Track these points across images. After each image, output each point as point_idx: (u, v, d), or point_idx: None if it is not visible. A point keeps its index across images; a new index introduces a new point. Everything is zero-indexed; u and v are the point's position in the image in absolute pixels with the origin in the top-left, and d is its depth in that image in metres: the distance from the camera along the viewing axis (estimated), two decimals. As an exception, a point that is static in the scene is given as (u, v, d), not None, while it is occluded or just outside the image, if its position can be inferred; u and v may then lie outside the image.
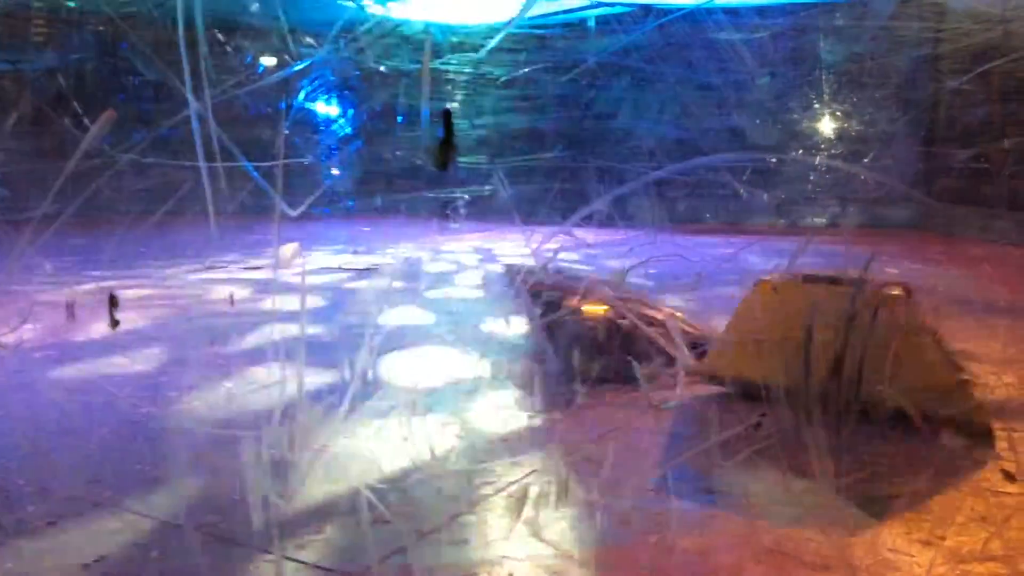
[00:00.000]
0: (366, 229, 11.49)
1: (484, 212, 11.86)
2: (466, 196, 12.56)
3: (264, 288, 6.94)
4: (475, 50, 11.63)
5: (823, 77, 11.56)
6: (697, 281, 7.10)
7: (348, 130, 14.31)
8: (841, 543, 2.46)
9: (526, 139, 13.35)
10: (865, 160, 11.43)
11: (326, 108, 14.14)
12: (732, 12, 10.14)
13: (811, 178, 11.79)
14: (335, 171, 14.02)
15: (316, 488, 2.89)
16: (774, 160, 11.40)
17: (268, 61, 13.05)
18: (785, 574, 2.34)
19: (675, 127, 12.22)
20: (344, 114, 14.25)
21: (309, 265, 8.16)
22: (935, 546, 2.46)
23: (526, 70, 12.55)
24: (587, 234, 9.60)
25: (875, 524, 2.58)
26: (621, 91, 12.88)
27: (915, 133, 11.51)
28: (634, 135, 12.76)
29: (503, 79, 12.89)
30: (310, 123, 14.03)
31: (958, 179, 10.55)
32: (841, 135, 11.70)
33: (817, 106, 11.77)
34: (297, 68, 11.60)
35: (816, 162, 11.67)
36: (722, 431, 3.36)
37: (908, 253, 8.86)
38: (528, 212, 10.54)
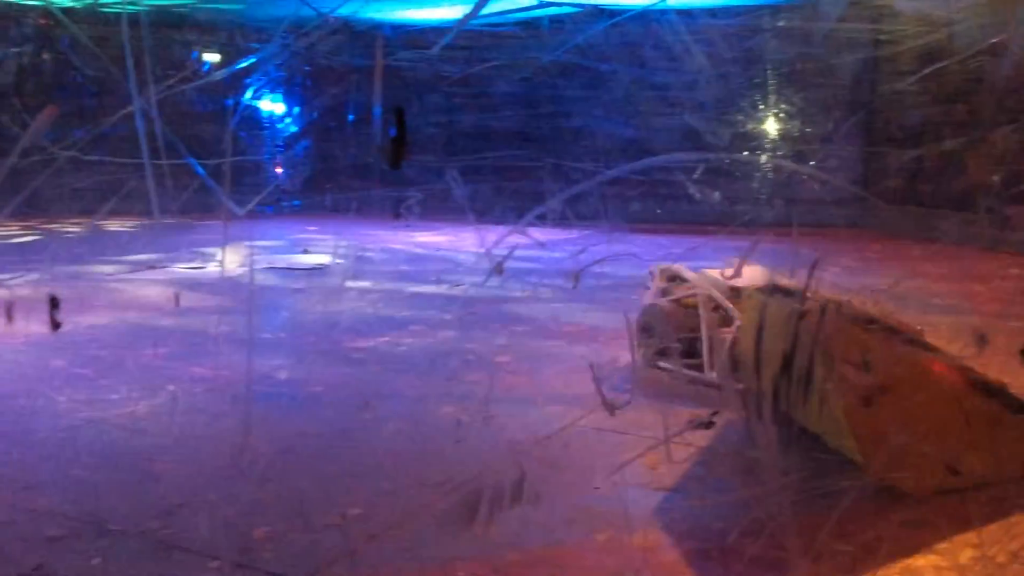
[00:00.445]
0: (312, 228, 11.35)
1: (438, 211, 11.80)
2: (419, 194, 12.49)
3: (209, 288, 6.82)
4: (427, 47, 11.56)
5: (773, 78, 11.72)
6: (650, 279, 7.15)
7: (294, 128, 14.11)
8: (787, 540, 2.49)
9: (479, 137, 13.31)
10: (812, 162, 11.62)
11: (272, 105, 13.93)
12: (685, 13, 10.24)
13: (756, 177, 11.94)
14: (279, 169, 13.79)
15: (266, 491, 2.84)
16: (728, 160, 11.53)
17: (211, 57, 12.80)
18: (731, 571, 2.36)
19: (628, 126, 12.29)
20: (290, 111, 14.05)
21: (254, 265, 8.03)
22: (880, 542, 2.50)
23: (479, 68, 12.53)
24: (541, 233, 9.61)
25: (821, 520, 2.61)
26: (574, 90, 12.92)
27: (861, 134, 11.73)
28: (588, 134, 12.81)
29: (456, 77, 12.84)
30: (257, 120, 13.80)
31: (901, 180, 10.78)
32: (789, 136, 11.88)
33: (766, 107, 11.93)
34: (244, 64, 11.42)
35: (763, 161, 11.83)
36: (675, 429, 3.38)
37: (850, 252, 9.02)
38: (482, 211, 10.50)
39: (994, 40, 8.55)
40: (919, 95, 10.21)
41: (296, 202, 13.26)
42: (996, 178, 8.76)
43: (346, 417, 3.68)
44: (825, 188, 11.44)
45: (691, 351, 4.22)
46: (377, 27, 12.06)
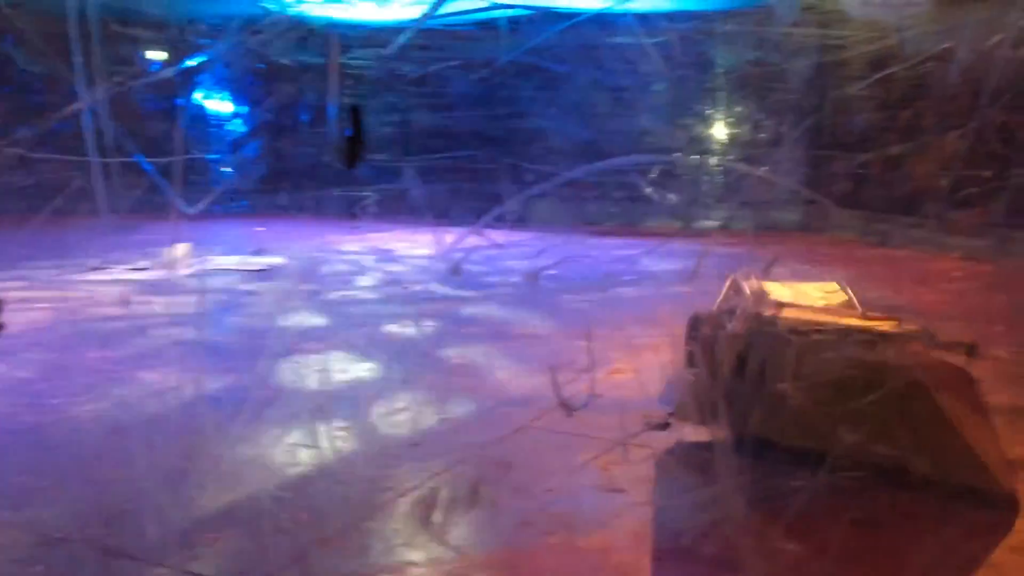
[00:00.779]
0: (260, 229, 11.14)
1: (395, 211, 11.73)
2: (376, 195, 12.40)
3: (156, 289, 6.67)
4: (384, 46, 11.48)
5: (726, 82, 11.86)
6: (606, 282, 7.20)
7: (243, 127, 13.86)
8: (739, 540, 2.50)
9: (437, 137, 13.25)
10: (764, 167, 11.77)
11: (223, 104, 13.68)
12: (641, 17, 10.30)
13: (710, 180, 12.07)
14: (226, 168, 13.53)
15: (216, 497, 2.79)
16: (684, 163, 11.63)
17: (158, 55, 12.54)
18: (684, 572, 2.37)
19: (584, 127, 12.33)
20: (242, 110, 13.82)
21: (203, 266, 7.89)
22: (831, 541, 2.53)
23: (436, 68, 12.48)
24: (499, 235, 9.59)
25: (774, 520, 2.64)
26: (531, 91, 12.93)
27: (810, 138, 11.90)
28: (545, 135, 12.83)
29: (413, 76, 12.77)
30: (206, 119, 13.56)
31: (849, 184, 10.96)
32: (741, 139, 12.02)
33: (719, 110, 12.07)
34: (194, 62, 11.22)
35: (715, 164, 11.95)
36: (630, 431, 3.39)
37: (800, 255, 9.14)
38: (440, 211, 10.46)
39: (942, 47, 8.74)
40: (868, 100, 10.40)
41: (244, 202, 12.98)
42: (943, 183, 8.96)
43: (298, 421, 3.63)
44: (775, 191, 11.58)
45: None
46: (332, 25, 11.94)
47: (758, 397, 3.34)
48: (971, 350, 3.39)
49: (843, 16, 9.82)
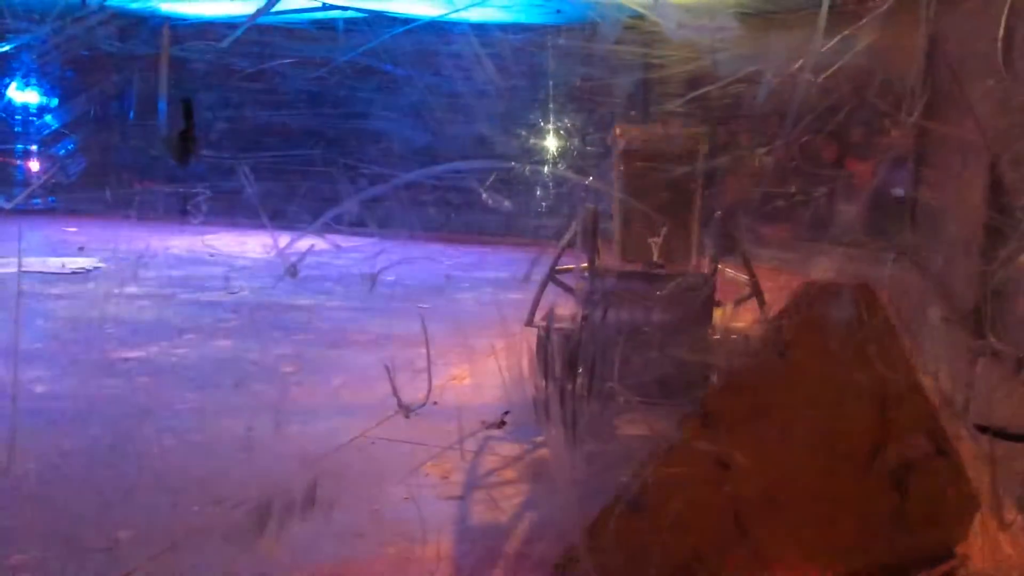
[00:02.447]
0: (72, 229, 10.45)
1: (228, 211, 11.35)
2: (208, 192, 11.93)
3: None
4: (217, 40, 11.08)
5: (556, 94, 12.25)
6: (444, 286, 7.32)
7: (63, 118, 12.94)
8: (575, 540, 2.63)
9: (272, 135, 12.92)
10: (592, 178, 12.24)
11: (32, 95, 12.72)
12: (476, 26, 10.47)
13: (541, 190, 12.42)
14: (34, 163, 12.58)
15: (30, 514, 2.68)
16: (526, 171, 11.90)
17: None
18: (522, 574, 2.47)
19: (422, 131, 12.38)
20: (61, 101, 12.90)
21: (11, 268, 7.32)
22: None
23: (272, 64, 12.17)
24: (336, 237, 9.46)
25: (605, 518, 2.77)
26: (369, 92, 12.84)
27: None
28: (383, 137, 12.78)
29: (248, 72, 12.39)
30: (19, 110, 12.56)
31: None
32: (572, 150, 12.44)
33: (550, 121, 12.45)
34: (6, 48, 10.39)
35: (546, 172, 12.30)
36: (468, 436, 3.49)
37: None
38: (276, 211, 10.20)
39: (751, 69, 9.41)
40: (688, 116, 11.03)
41: (51, 199, 12.08)
42: (754, 198, 9.64)
43: (118, 432, 3.51)
44: (602, 202, 12.02)
45: None
46: (164, 16, 11.41)
47: (589, 395, 3.55)
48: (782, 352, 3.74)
49: (662, 36, 10.36)
